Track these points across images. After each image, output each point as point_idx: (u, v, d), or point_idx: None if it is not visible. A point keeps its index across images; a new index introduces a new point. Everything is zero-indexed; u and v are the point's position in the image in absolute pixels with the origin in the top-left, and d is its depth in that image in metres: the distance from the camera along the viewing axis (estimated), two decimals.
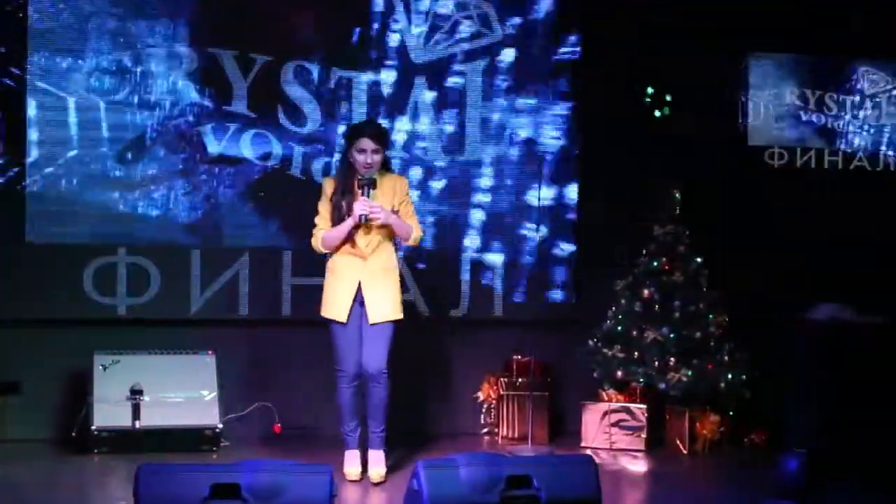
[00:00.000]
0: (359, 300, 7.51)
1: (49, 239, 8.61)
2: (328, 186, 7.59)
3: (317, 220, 7.60)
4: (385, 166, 7.67)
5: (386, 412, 7.61)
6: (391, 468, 7.81)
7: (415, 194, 8.89)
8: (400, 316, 7.62)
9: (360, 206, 7.37)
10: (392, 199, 7.57)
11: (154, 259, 8.77)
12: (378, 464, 7.64)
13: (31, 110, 8.56)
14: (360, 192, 7.42)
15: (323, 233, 7.53)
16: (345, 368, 7.56)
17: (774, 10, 9.36)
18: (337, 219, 7.47)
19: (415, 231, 7.65)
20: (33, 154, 8.58)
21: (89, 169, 8.66)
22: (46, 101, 8.59)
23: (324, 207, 7.58)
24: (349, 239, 7.48)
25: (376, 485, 7.54)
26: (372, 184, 7.44)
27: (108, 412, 8.31)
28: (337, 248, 7.53)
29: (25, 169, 8.55)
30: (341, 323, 7.49)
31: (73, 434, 8.43)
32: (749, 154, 9.64)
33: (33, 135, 8.57)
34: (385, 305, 7.53)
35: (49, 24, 8.57)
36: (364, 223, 7.40)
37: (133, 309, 8.77)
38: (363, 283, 7.49)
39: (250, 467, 5.94)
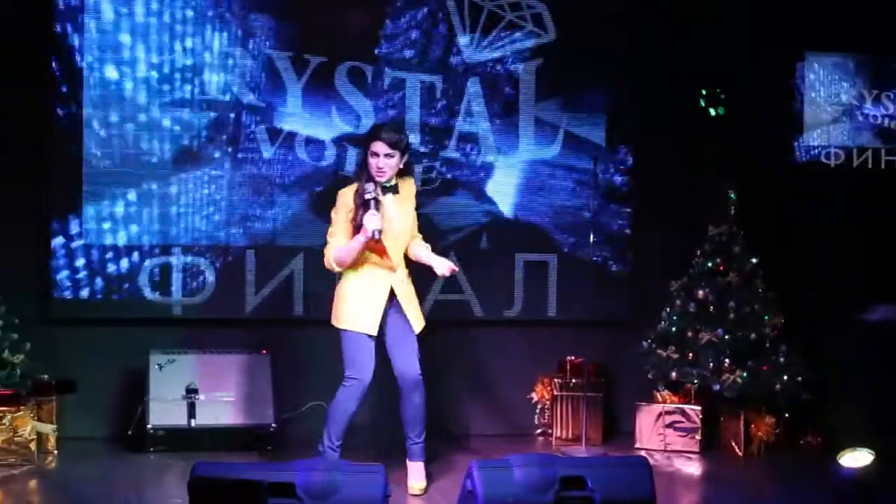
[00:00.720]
0: (394, 309, 7.28)
1: (104, 240, 8.67)
2: (344, 198, 7.23)
3: (329, 236, 7.29)
4: (404, 171, 7.36)
5: (425, 421, 7.40)
6: (447, 468, 7.81)
7: (467, 195, 8.94)
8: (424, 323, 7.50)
9: (372, 222, 7.01)
10: (410, 208, 7.37)
11: (209, 259, 8.82)
12: (419, 476, 7.41)
13: (87, 109, 8.63)
14: (368, 208, 7.06)
15: (335, 250, 7.18)
16: (360, 377, 7.20)
17: (831, 9, 9.29)
18: (355, 230, 7.13)
19: (422, 244, 7.47)
20: (87, 152, 8.64)
21: (144, 169, 8.71)
22: (101, 101, 8.64)
23: (338, 220, 7.23)
24: (374, 252, 7.17)
25: (415, 496, 7.34)
26: (376, 200, 7.07)
27: (164, 411, 8.37)
28: (352, 265, 7.22)
29: (82, 168, 8.61)
30: (368, 335, 7.22)
31: (130, 433, 8.50)
32: (805, 154, 9.57)
33: (89, 134, 8.63)
34: (417, 314, 7.39)
35: (106, 25, 8.63)
36: (377, 239, 7.04)
37: (188, 309, 8.82)
38: (398, 292, 7.26)
39: (305, 467, 5.97)
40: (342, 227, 7.20)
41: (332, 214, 7.31)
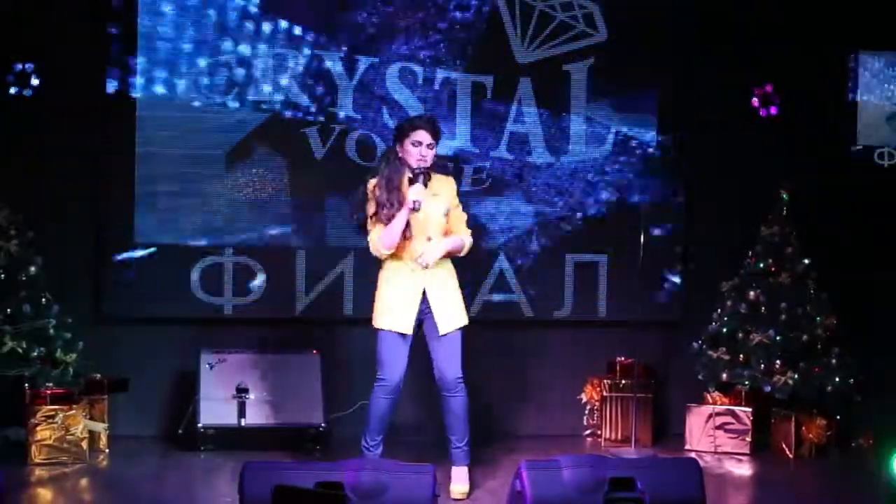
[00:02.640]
0: (423, 309, 7.23)
1: (156, 239, 8.73)
2: (371, 186, 7.20)
3: (368, 225, 7.23)
4: (435, 167, 7.35)
5: (468, 424, 7.29)
6: (495, 469, 7.81)
7: (518, 195, 8.95)
8: (467, 321, 7.34)
9: (415, 192, 7.02)
10: (446, 203, 7.29)
11: (260, 259, 8.86)
12: (462, 481, 7.31)
13: (140, 109, 8.69)
14: (416, 182, 7.06)
15: (378, 233, 7.13)
16: (389, 378, 7.17)
17: (885, 7, 9.22)
18: (386, 218, 7.09)
19: (465, 241, 7.31)
20: (139, 152, 8.70)
21: (195, 169, 8.76)
22: (152, 101, 8.70)
23: (371, 209, 7.19)
24: (405, 239, 7.12)
25: (457, 501, 7.27)
26: (426, 174, 7.12)
27: (214, 410, 8.41)
28: (394, 253, 7.17)
29: (135, 167, 8.67)
30: (401, 334, 7.19)
31: (180, 431, 8.55)
32: (858, 154, 9.50)
33: (139, 134, 8.68)
34: (452, 313, 7.25)
35: (157, 25, 8.69)
36: (418, 210, 7.01)
37: (239, 308, 8.86)
38: (429, 292, 7.20)
39: (354, 466, 5.97)
40: (373, 215, 7.19)
41: (366, 207, 7.24)
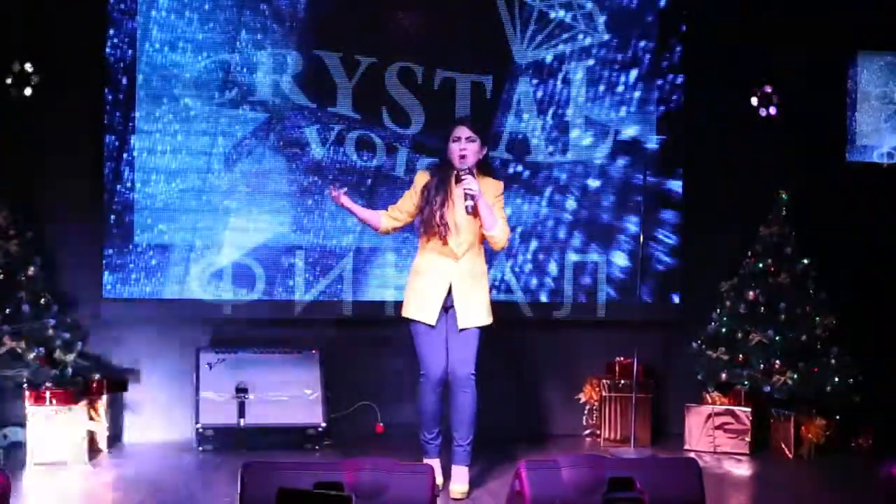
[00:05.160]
0: (446, 303, 7.31)
1: (155, 239, 8.74)
2: (420, 178, 7.40)
3: (397, 204, 7.47)
4: (483, 171, 7.43)
5: (473, 423, 7.31)
6: (494, 469, 7.81)
7: (518, 194, 8.94)
8: (488, 321, 7.36)
9: (468, 184, 7.14)
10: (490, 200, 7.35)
11: (259, 259, 8.86)
12: (461, 480, 7.33)
13: (139, 107, 8.70)
14: (462, 183, 7.16)
15: (385, 217, 7.46)
16: (429, 373, 7.26)
17: (884, 8, 9.23)
18: (428, 214, 7.25)
19: (500, 225, 7.27)
20: (138, 152, 8.71)
21: (195, 168, 8.77)
22: (152, 102, 8.71)
23: (408, 195, 7.41)
24: (441, 238, 7.26)
25: (456, 500, 7.27)
26: (470, 171, 7.19)
27: (214, 410, 8.42)
28: (426, 246, 7.34)
29: (134, 167, 8.68)
30: (429, 325, 7.27)
31: (180, 431, 8.55)
32: (858, 154, 9.50)
33: (138, 138, 8.69)
34: (475, 310, 7.29)
35: (155, 25, 8.69)
36: (469, 212, 7.15)
37: (239, 308, 8.86)
38: (454, 286, 7.27)
39: (353, 466, 5.97)
40: (406, 198, 7.43)
41: (407, 191, 7.48)
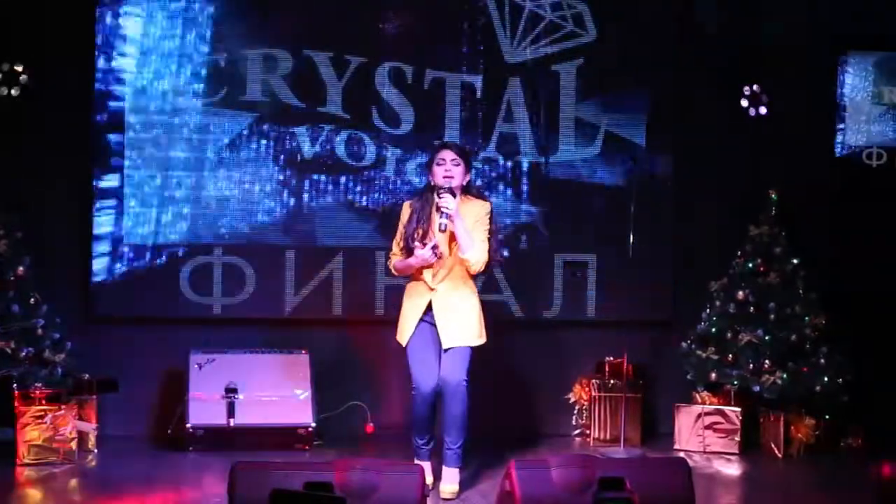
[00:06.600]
0: (430, 321, 7.36)
1: (145, 240, 8.73)
2: (405, 211, 7.48)
3: (393, 243, 7.51)
4: (469, 193, 7.44)
5: (464, 427, 7.34)
6: (485, 469, 7.81)
7: (507, 195, 8.96)
8: (477, 343, 7.40)
9: (445, 202, 7.16)
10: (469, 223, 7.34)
11: (249, 259, 8.86)
12: (451, 481, 7.36)
13: (129, 110, 8.69)
14: (439, 199, 7.19)
15: (395, 262, 7.47)
16: (420, 387, 7.33)
17: (873, 8, 9.24)
18: (407, 249, 7.34)
19: (476, 248, 7.25)
20: (129, 153, 8.70)
21: (184, 169, 8.77)
22: (141, 103, 8.70)
23: (399, 230, 7.47)
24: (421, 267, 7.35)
25: (446, 500, 7.30)
26: (451, 191, 7.21)
27: (204, 410, 8.42)
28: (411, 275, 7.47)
29: (124, 168, 8.67)
30: (414, 342, 7.35)
31: (169, 431, 8.55)
32: (847, 154, 9.51)
33: (129, 135, 8.68)
34: (457, 332, 7.32)
35: (145, 27, 8.69)
36: (444, 230, 7.19)
37: (228, 308, 8.86)
38: (434, 306, 7.32)
39: (343, 466, 5.97)
40: (398, 233, 7.48)
41: (397, 225, 7.53)
